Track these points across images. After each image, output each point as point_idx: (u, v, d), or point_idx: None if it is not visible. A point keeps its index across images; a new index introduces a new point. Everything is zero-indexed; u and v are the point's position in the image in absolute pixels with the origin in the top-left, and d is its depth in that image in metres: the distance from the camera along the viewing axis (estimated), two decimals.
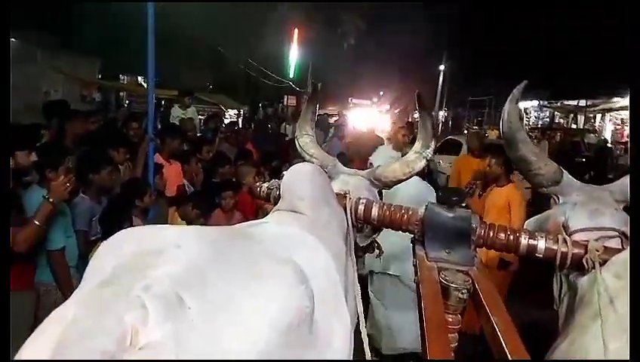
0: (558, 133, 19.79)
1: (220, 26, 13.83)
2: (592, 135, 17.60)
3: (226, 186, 3.56)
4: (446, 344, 1.47)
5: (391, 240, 2.42)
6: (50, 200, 2.42)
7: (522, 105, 26.31)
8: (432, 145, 2.28)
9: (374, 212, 1.96)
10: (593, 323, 1.47)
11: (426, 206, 1.89)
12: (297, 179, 1.78)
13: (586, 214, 1.81)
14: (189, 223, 3.53)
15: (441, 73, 34.39)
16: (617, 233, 1.75)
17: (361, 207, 1.97)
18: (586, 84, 19.17)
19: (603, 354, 1.39)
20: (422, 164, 2.24)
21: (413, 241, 1.96)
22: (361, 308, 1.93)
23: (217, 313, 0.90)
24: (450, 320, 1.70)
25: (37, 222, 2.40)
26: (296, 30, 14.68)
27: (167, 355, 0.79)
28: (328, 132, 9.82)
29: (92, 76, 14.06)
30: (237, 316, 0.92)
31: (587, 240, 1.69)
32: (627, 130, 18.81)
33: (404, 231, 1.97)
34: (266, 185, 2.17)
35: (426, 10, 25.33)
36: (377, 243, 2.32)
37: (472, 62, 29.46)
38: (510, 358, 1.41)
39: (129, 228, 1.16)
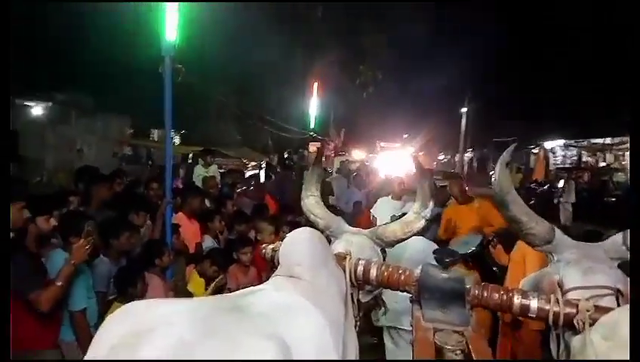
0: (586, 173, 19.43)
1: (241, 79, 14.49)
2: (620, 173, 17.21)
3: (242, 243, 3.68)
4: None
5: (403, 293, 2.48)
6: (72, 262, 2.61)
7: (548, 144, 26.03)
8: (431, 205, 2.37)
9: (373, 273, 2.03)
10: None
11: (422, 267, 1.96)
12: (295, 244, 1.89)
13: (580, 272, 1.83)
14: (207, 280, 3.65)
15: (464, 115, 34.56)
16: (611, 291, 1.77)
17: (360, 268, 2.05)
18: (612, 121, 18.95)
19: None
20: (421, 224, 2.32)
21: (411, 301, 2.02)
22: None
23: None
24: None
25: (59, 283, 2.56)
26: (315, 83, 15.20)
27: None
28: (349, 179, 9.94)
29: (123, 133, 14.79)
30: None
31: (579, 300, 1.72)
32: None
33: (402, 291, 2.03)
34: (270, 246, 2.27)
35: (448, 51, 25.79)
36: (382, 299, 2.38)
37: (496, 104, 29.55)
38: None
39: (130, 303, 1.28)
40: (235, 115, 16.03)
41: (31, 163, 9.12)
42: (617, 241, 1.91)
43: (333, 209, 7.19)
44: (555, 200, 15.14)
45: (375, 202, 6.04)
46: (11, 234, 2.71)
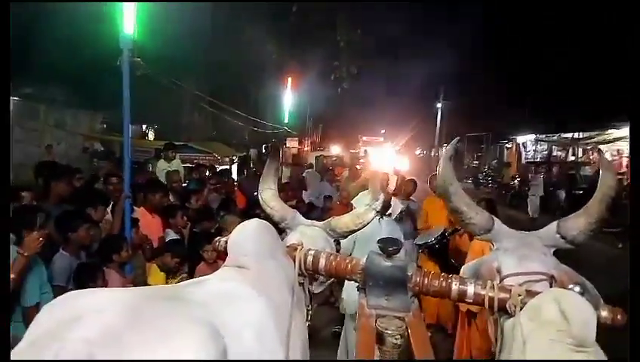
0: (555, 167, 19.92)
1: (215, 74, 14.40)
2: (587, 167, 17.71)
3: (206, 239, 3.70)
4: None
5: None
6: (24, 254, 2.60)
7: (520, 139, 26.59)
8: (381, 198, 2.45)
9: (322, 262, 2.09)
10: None
11: (368, 255, 2.03)
12: (242, 236, 1.93)
13: (516, 259, 1.93)
14: (168, 273, 3.65)
15: (439, 110, 35.02)
16: (545, 276, 1.86)
17: (309, 258, 2.10)
18: (581, 116, 19.47)
19: None
20: (371, 215, 2.40)
21: (358, 289, 2.08)
22: (307, 353, 2.06)
23: None
24: None
25: (12, 276, 2.56)
26: (289, 78, 15.19)
27: None
28: (325, 174, 10.00)
29: (94, 129, 14.55)
30: None
31: (513, 285, 1.81)
32: (624, 161, 18.90)
33: (349, 280, 2.10)
34: (224, 239, 2.31)
35: (423, 47, 26.07)
36: (334, 290, 2.46)
37: (470, 99, 30.03)
38: None
39: (68, 293, 1.31)
40: (208, 110, 15.94)
41: None
42: (552, 230, 2.01)
43: (305, 203, 7.27)
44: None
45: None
46: None
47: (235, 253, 1.89)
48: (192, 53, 13.25)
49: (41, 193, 3.71)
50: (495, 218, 2.06)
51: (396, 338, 1.80)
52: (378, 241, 2.10)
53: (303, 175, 9.92)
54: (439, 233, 4.62)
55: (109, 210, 3.77)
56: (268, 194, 2.54)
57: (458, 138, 2.25)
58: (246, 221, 2.06)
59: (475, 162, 33.09)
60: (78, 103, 13.55)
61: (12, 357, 1.04)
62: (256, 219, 2.17)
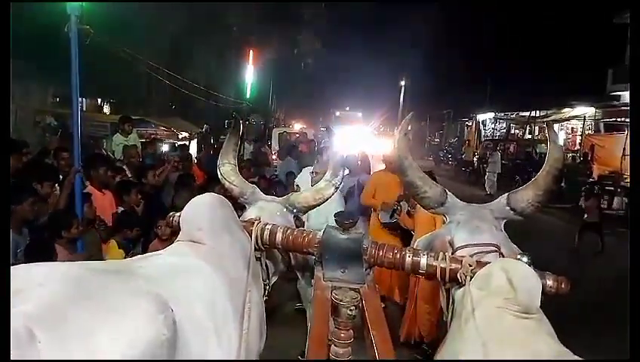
0: (512, 145, 20.53)
1: (175, 48, 13.95)
2: (543, 144, 18.34)
3: (161, 215, 3.60)
4: (324, 358, 1.61)
5: None
6: None
7: (480, 117, 27.19)
8: (341, 173, 2.45)
9: (278, 236, 2.08)
10: (458, 331, 1.63)
11: (325, 229, 2.03)
12: (196, 210, 1.90)
13: (468, 231, 1.97)
14: (127, 249, 3.56)
15: (402, 88, 35.27)
16: (496, 248, 1.91)
17: (266, 233, 2.09)
18: (538, 95, 20.04)
19: (465, 359, 1.54)
20: (331, 191, 2.39)
21: (314, 262, 2.09)
22: (264, 327, 2.06)
23: (69, 345, 1.00)
24: (342, 335, 1.84)
25: None
26: (251, 51, 14.88)
27: None
28: (290, 151, 9.95)
29: (44, 102, 13.86)
30: (89, 347, 1.02)
31: (464, 256, 1.86)
32: (577, 139, 19.68)
33: (305, 253, 2.10)
34: (178, 214, 2.26)
35: (387, 24, 26.04)
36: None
37: (432, 77, 30.36)
38: None
39: (11, 267, 1.24)
40: (167, 84, 15.47)
41: None
42: (502, 202, 2.06)
43: (267, 179, 7.23)
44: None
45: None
46: None
47: (188, 227, 1.86)
48: (148, 22, 12.72)
49: None
50: (448, 191, 2.10)
51: (351, 310, 1.82)
52: (334, 215, 2.10)
53: (263, 150, 9.82)
54: (393, 210, 4.70)
55: (58, 186, 3.62)
56: (227, 169, 2.50)
57: (412, 113, 2.25)
58: (200, 195, 2.02)
59: (436, 140, 33.70)
60: (28, 75, 12.86)
61: None
62: (211, 193, 2.13)
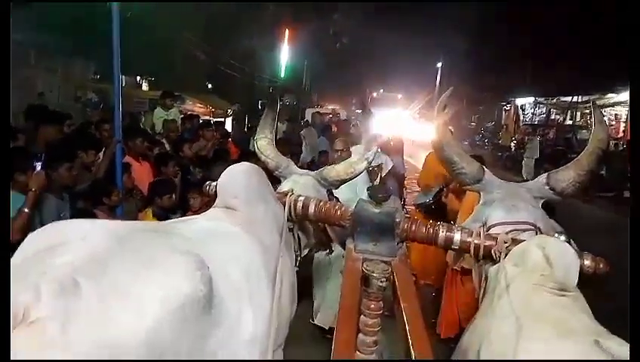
0: (552, 130, 19.87)
1: (212, 27, 14.04)
2: (584, 130, 17.67)
3: (193, 186, 3.68)
4: (353, 328, 1.63)
5: None
6: (33, 189, 2.64)
7: (519, 101, 26.36)
8: (374, 148, 2.43)
9: (311, 208, 2.10)
10: (490, 307, 1.61)
11: (358, 202, 2.03)
12: (232, 178, 1.93)
13: (504, 209, 1.94)
14: (162, 218, 3.65)
15: (439, 70, 34.48)
16: (532, 226, 1.88)
17: (299, 204, 2.11)
18: (581, 79, 19.25)
19: (497, 335, 1.53)
20: (363, 165, 2.39)
21: (346, 236, 2.10)
22: (295, 295, 2.10)
23: (110, 295, 1.05)
24: (372, 306, 1.85)
25: (26, 210, 2.59)
26: (287, 30, 14.80)
27: (50, 328, 0.93)
28: (323, 130, 9.95)
29: (86, 77, 14.24)
30: (128, 297, 1.06)
31: (499, 233, 1.83)
32: (621, 126, 18.85)
33: (337, 226, 2.11)
34: (214, 183, 2.31)
35: (424, 4, 25.41)
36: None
37: (470, 60, 29.52)
38: (410, 337, 1.56)
39: (53, 223, 1.30)
40: (204, 63, 15.62)
41: None
42: (542, 181, 2.02)
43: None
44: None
45: None
46: None
47: (224, 194, 1.89)
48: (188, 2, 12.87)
49: (29, 137, 3.66)
50: (486, 169, 2.06)
51: (382, 281, 1.83)
52: (368, 189, 2.10)
53: (301, 132, 9.85)
54: (437, 191, 4.64)
55: (101, 155, 3.74)
56: (263, 143, 2.53)
57: (452, 88, 2.21)
58: (236, 164, 2.06)
59: (472, 123, 32.95)
60: (70, 50, 13.23)
61: None
62: (247, 162, 2.17)
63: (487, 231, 1.90)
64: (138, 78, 19.03)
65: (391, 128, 10.15)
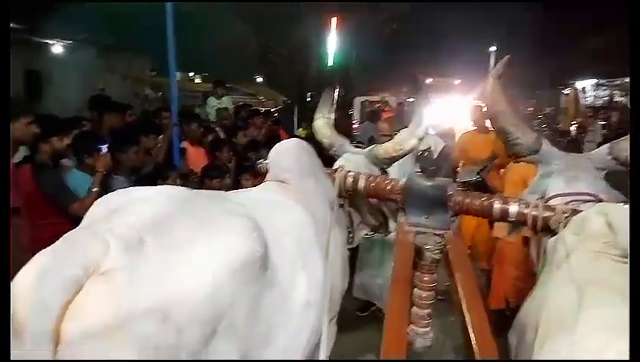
0: (615, 113, 18.72)
1: (262, 18, 14.24)
2: None
3: (245, 169, 3.77)
4: (406, 300, 1.62)
5: None
6: (100, 170, 2.82)
7: (579, 84, 25.00)
8: (424, 124, 2.39)
9: (361, 183, 2.11)
10: (549, 277, 1.56)
11: (408, 176, 2.02)
12: (283, 152, 1.97)
13: (563, 180, 1.87)
14: None
15: (493, 54, 33.24)
16: (593, 198, 1.80)
17: (349, 179, 2.13)
18: None
19: (557, 305, 1.48)
20: (413, 142, 2.35)
21: (397, 209, 2.09)
22: (347, 270, 2.12)
23: (172, 252, 1.11)
24: (426, 278, 1.84)
25: (95, 189, 2.76)
26: (335, 19, 14.73)
27: (119, 280, 1.00)
28: (371, 116, 9.91)
29: (143, 73, 14.88)
30: (190, 254, 1.12)
31: (558, 205, 1.77)
32: None
33: (388, 200, 2.11)
34: (266, 161, 2.36)
35: None
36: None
37: (526, 41, 28.25)
38: (466, 307, 1.54)
39: (120, 189, 1.39)
40: (254, 54, 15.88)
41: (58, 101, 9.31)
42: (603, 152, 1.92)
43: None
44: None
45: None
46: (24, 150, 2.89)
47: (275, 168, 1.94)
48: None
49: (95, 125, 3.90)
50: (544, 138, 1.99)
51: (435, 254, 1.81)
52: (417, 160, 2.08)
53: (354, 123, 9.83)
54: (477, 170, 4.54)
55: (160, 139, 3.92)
56: (321, 123, 2.58)
57: (508, 56, 2.13)
58: (287, 140, 2.09)
59: (529, 109, 31.60)
60: (128, 48, 13.84)
61: (66, 239, 1.11)
62: (295, 138, 2.21)
63: (546, 203, 1.84)
64: (191, 73, 19.66)
65: (445, 114, 9.91)
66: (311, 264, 1.60)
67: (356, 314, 3.97)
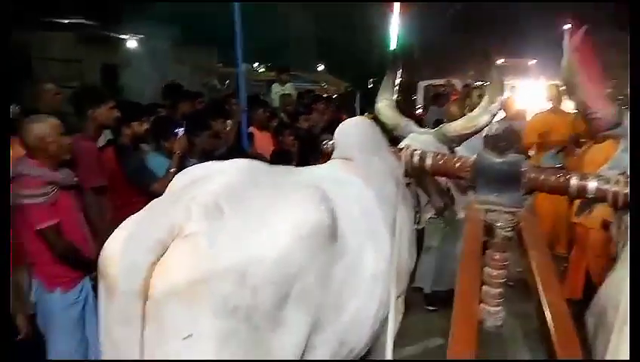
0: None
1: (324, 5, 14.30)
2: None
3: (309, 153, 3.84)
4: (476, 275, 1.58)
5: None
6: (177, 152, 2.98)
7: None
8: (499, 100, 2.29)
9: (428, 161, 2.04)
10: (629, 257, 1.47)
11: (478, 153, 1.96)
12: (348, 130, 1.99)
13: None
14: None
15: (567, 32, 31.20)
16: None
17: (415, 158, 2.07)
18: None
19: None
20: (486, 118, 2.24)
21: (466, 187, 2.04)
22: (414, 251, 2.10)
23: (247, 218, 1.17)
24: (497, 257, 1.79)
25: (173, 170, 2.88)
26: (397, 4, 14.46)
27: (201, 242, 1.07)
28: (436, 99, 9.70)
29: (210, 65, 15.38)
30: (263, 221, 1.18)
31: None
32: None
33: (457, 178, 2.06)
34: (331, 141, 2.38)
35: None
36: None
37: (601, 21, 26.24)
38: (541, 288, 1.49)
39: (197, 164, 1.47)
40: (316, 41, 15.96)
41: (132, 92, 9.85)
42: None
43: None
44: None
45: None
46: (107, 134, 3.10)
47: (340, 145, 1.96)
48: None
49: (169, 112, 4.12)
50: (626, 112, 1.86)
51: (507, 231, 1.76)
52: (490, 137, 2.01)
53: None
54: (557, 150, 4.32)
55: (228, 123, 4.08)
56: (384, 104, 2.53)
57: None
58: (351, 118, 2.10)
59: (609, 89, 29.47)
60: (195, 41, 14.34)
61: (151, 206, 1.20)
62: (360, 116, 2.21)
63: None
64: (255, 64, 20.08)
65: (517, 96, 9.47)
66: (377, 238, 1.61)
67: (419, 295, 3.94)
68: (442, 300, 3.75)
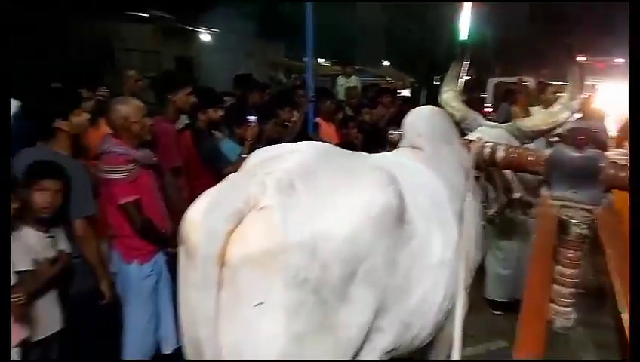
0: None
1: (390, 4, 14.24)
2: None
3: (374, 145, 3.83)
4: (548, 271, 1.53)
5: None
6: (249, 139, 3.11)
7: None
8: (579, 97, 2.19)
9: (499, 155, 1.98)
10: None
11: (555, 146, 1.88)
12: (417, 118, 1.97)
13: None
14: None
15: None
16: None
17: (487, 150, 2.02)
18: None
19: None
20: (566, 115, 2.15)
21: (540, 182, 1.97)
22: (481, 244, 2.05)
23: (318, 195, 1.20)
24: (570, 255, 1.72)
25: (246, 155, 3.05)
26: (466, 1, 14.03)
27: (275, 216, 1.12)
28: (505, 96, 9.34)
29: (278, 58, 15.70)
30: (333, 199, 1.21)
31: None
32: None
33: (530, 172, 1.99)
34: (397, 132, 2.37)
35: None
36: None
37: None
38: (618, 289, 1.42)
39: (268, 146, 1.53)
40: (382, 35, 15.85)
41: (205, 84, 10.26)
42: None
43: None
44: None
45: None
46: (184, 119, 3.26)
47: (408, 133, 1.95)
48: None
49: (239, 101, 4.27)
50: None
51: (582, 228, 1.68)
52: (567, 131, 1.92)
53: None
54: None
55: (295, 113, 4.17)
56: (449, 95, 2.49)
57: None
58: (420, 107, 2.09)
59: None
60: (264, 35, 14.68)
61: (227, 182, 1.26)
62: (430, 105, 2.17)
63: None
64: (321, 60, 20.25)
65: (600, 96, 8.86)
66: (446, 226, 1.60)
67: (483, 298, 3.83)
68: (506, 305, 3.64)
